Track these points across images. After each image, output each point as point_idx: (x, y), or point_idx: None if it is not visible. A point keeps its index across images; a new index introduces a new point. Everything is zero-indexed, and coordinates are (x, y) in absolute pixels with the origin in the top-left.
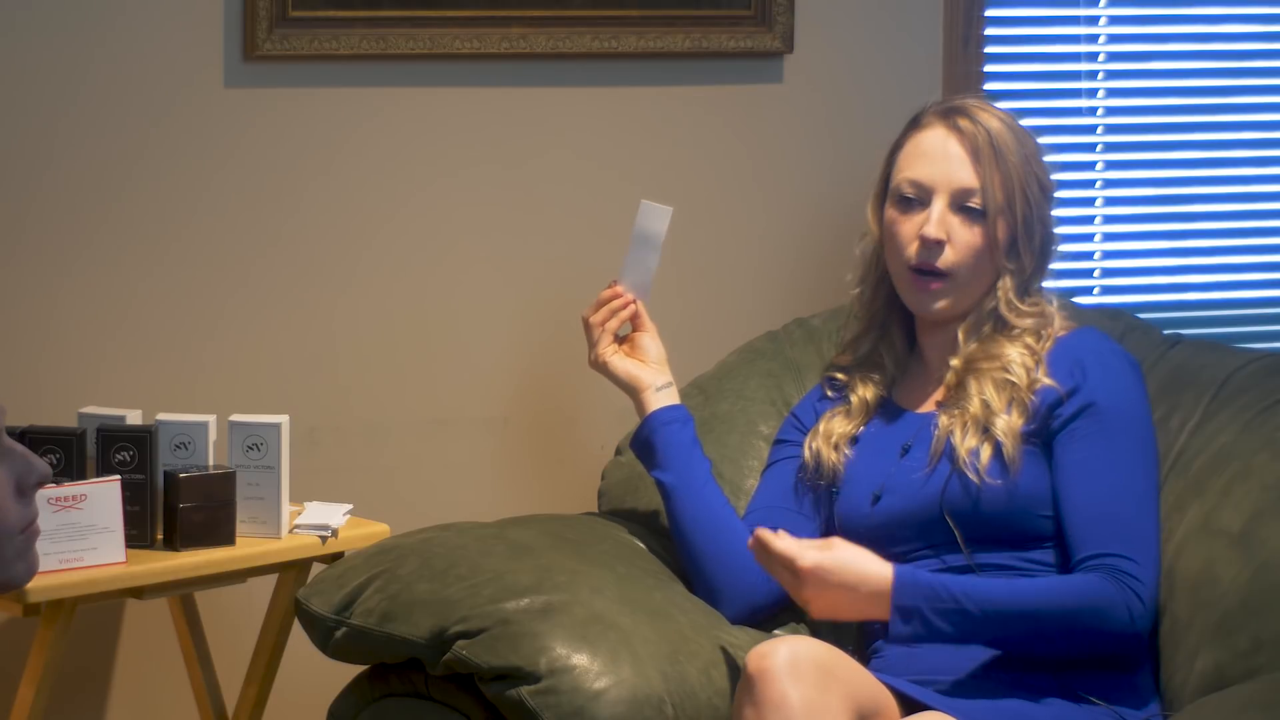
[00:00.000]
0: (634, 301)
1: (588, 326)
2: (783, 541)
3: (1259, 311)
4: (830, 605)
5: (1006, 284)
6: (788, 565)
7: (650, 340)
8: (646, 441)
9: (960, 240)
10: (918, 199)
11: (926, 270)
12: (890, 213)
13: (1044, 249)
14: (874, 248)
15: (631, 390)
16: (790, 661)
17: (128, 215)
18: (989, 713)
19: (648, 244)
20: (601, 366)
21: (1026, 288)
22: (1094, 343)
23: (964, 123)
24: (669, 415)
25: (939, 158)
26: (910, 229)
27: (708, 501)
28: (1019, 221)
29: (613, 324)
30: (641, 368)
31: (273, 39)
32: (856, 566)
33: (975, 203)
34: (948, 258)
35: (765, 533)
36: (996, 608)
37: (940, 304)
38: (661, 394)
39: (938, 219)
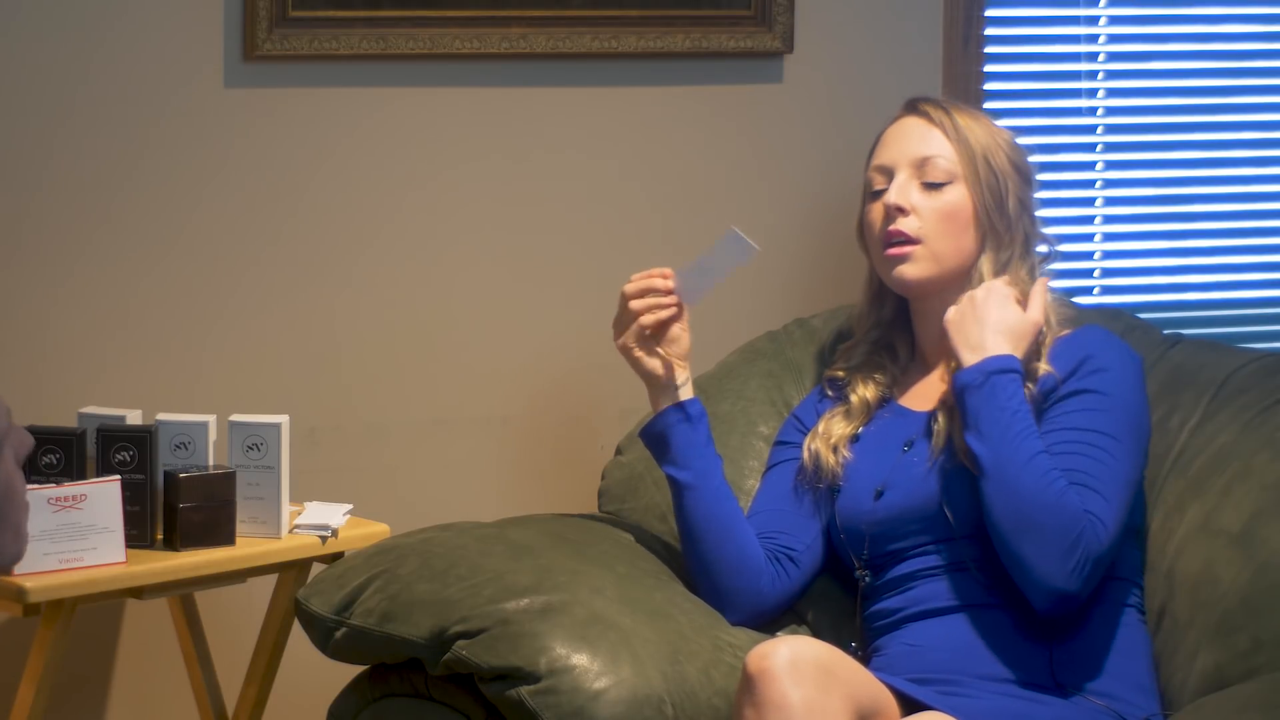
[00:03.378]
0: (679, 304)
1: (624, 302)
2: None
3: (1259, 311)
4: (962, 318)
5: (985, 257)
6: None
7: (682, 331)
8: (661, 436)
9: (924, 208)
10: (885, 185)
11: (894, 239)
12: (864, 208)
13: (1025, 230)
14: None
15: (650, 382)
16: (791, 661)
17: (128, 215)
18: (989, 713)
19: (719, 267)
20: (627, 352)
21: (1008, 266)
22: (1098, 337)
23: (925, 106)
24: (685, 411)
25: (898, 138)
26: (878, 211)
27: (721, 504)
28: (985, 188)
29: (648, 318)
30: (665, 364)
31: (273, 39)
32: (1002, 315)
33: (934, 172)
34: (911, 224)
35: None
36: (1016, 455)
37: (910, 270)
38: (680, 389)
39: (898, 188)
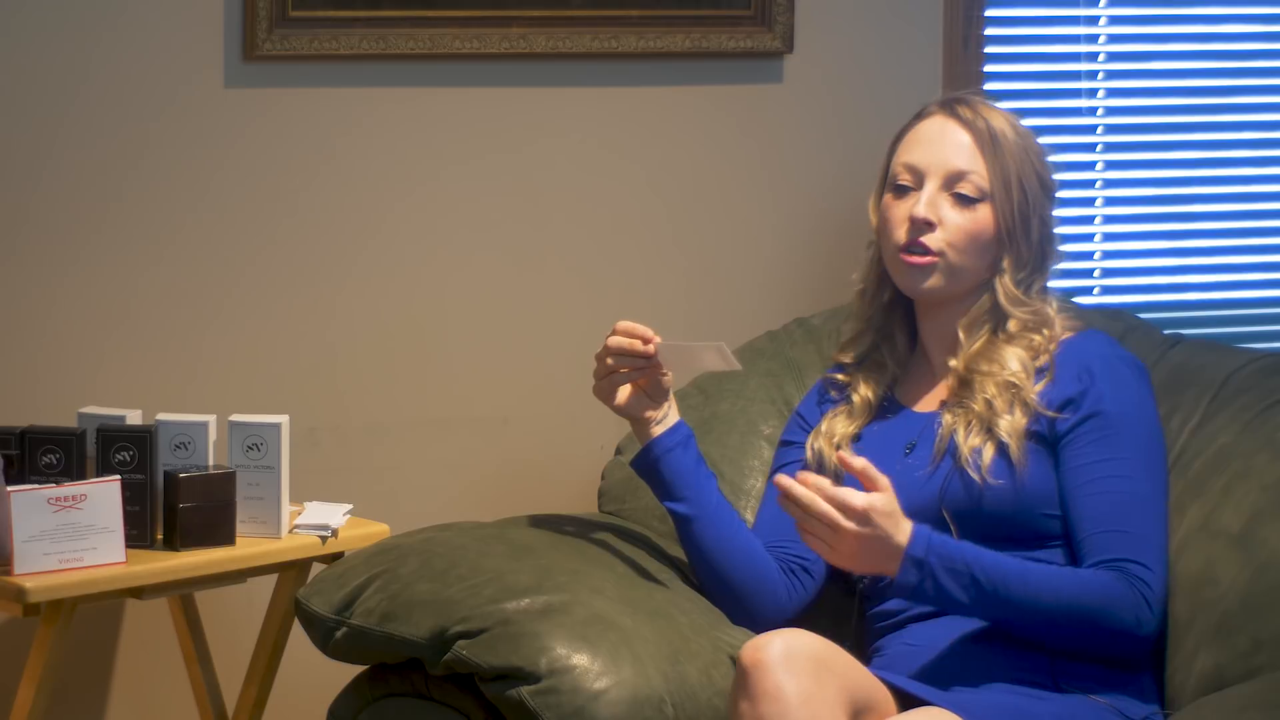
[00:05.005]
0: (659, 367)
1: (604, 352)
2: (837, 489)
3: (1259, 311)
4: (857, 551)
5: (1005, 278)
6: (837, 501)
7: (661, 376)
8: (652, 469)
9: (950, 223)
10: (912, 185)
11: (916, 249)
12: (886, 199)
13: (1043, 246)
14: (876, 245)
15: (629, 421)
16: (785, 653)
17: (127, 215)
18: (988, 709)
19: (698, 362)
20: (605, 399)
21: (1027, 284)
22: (1101, 347)
23: (963, 110)
24: (670, 441)
25: (935, 142)
26: (902, 212)
27: (727, 527)
28: (1014, 210)
29: (624, 375)
30: (643, 405)
31: (273, 39)
32: (896, 516)
33: (967, 187)
34: (936, 238)
35: (812, 478)
36: (1008, 586)
37: (929, 282)
38: (661, 423)
39: (928, 200)
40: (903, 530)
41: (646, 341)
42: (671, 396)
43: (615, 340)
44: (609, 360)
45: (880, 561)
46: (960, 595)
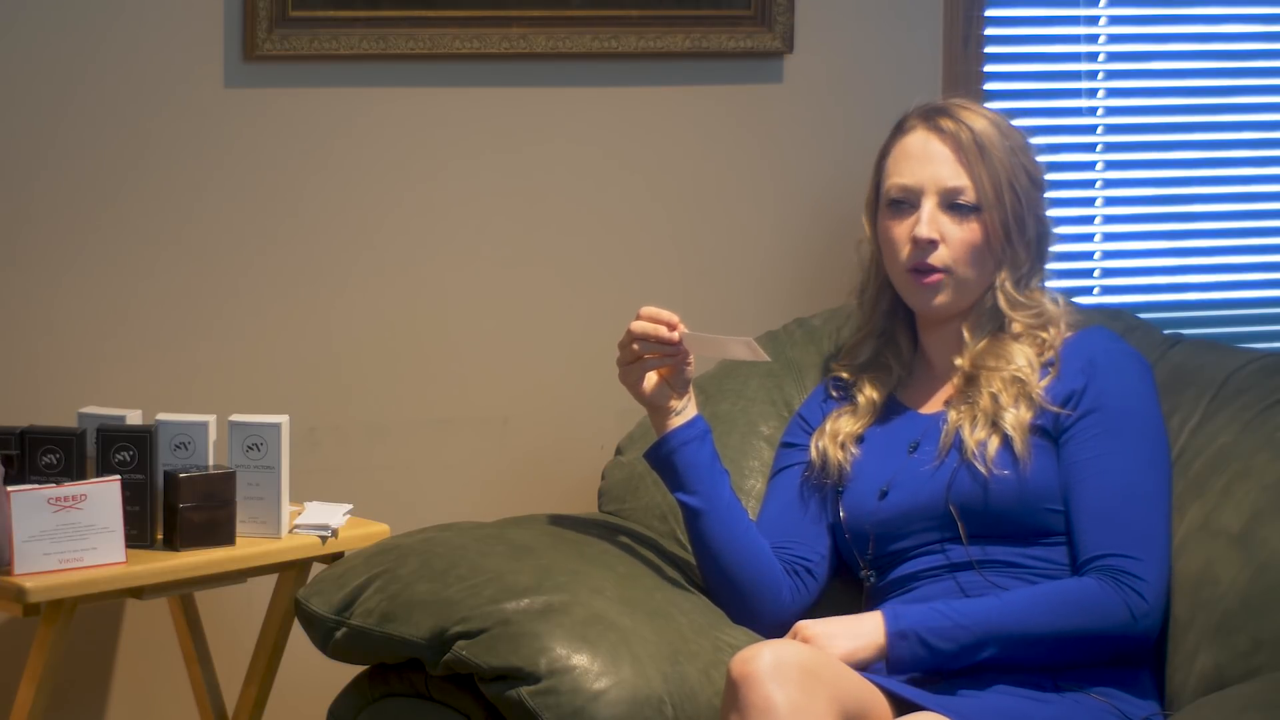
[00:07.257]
0: (685, 354)
1: (629, 337)
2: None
3: (1259, 311)
4: (842, 650)
5: (1004, 278)
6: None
7: (685, 365)
8: (666, 461)
9: (953, 237)
10: (907, 202)
11: (923, 269)
12: (883, 219)
13: (1039, 241)
14: (872, 253)
15: (649, 409)
16: (774, 664)
17: (127, 215)
18: (985, 712)
19: (725, 351)
20: (630, 385)
21: (1025, 282)
22: (1105, 342)
23: (945, 122)
24: (687, 433)
25: (923, 159)
26: (903, 232)
27: (736, 524)
28: (1009, 215)
29: (652, 360)
30: (666, 394)
31: (273, 39)
32: (851, 620)
33: (963, 200)
34: (942, 256)
35: None
36: (993, 625)
37: (940, 298)
38: (681, 414)
39: (928, 219)
40: (869, 618)
41: (671, 328)
42: (691, 389)
43: (640, 325)
44: (634, 346)
45: (869, 651)
46: (950, 648)
